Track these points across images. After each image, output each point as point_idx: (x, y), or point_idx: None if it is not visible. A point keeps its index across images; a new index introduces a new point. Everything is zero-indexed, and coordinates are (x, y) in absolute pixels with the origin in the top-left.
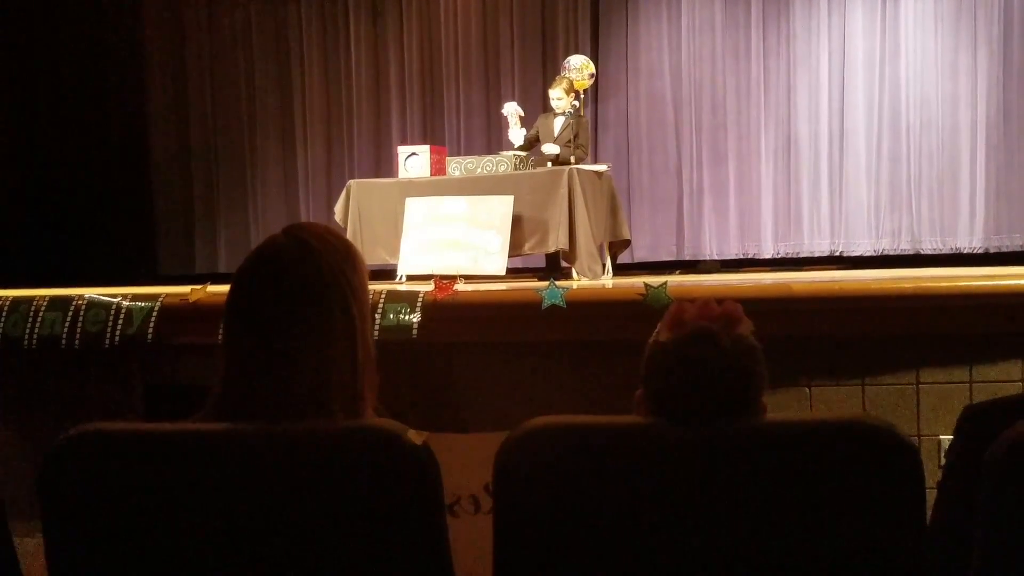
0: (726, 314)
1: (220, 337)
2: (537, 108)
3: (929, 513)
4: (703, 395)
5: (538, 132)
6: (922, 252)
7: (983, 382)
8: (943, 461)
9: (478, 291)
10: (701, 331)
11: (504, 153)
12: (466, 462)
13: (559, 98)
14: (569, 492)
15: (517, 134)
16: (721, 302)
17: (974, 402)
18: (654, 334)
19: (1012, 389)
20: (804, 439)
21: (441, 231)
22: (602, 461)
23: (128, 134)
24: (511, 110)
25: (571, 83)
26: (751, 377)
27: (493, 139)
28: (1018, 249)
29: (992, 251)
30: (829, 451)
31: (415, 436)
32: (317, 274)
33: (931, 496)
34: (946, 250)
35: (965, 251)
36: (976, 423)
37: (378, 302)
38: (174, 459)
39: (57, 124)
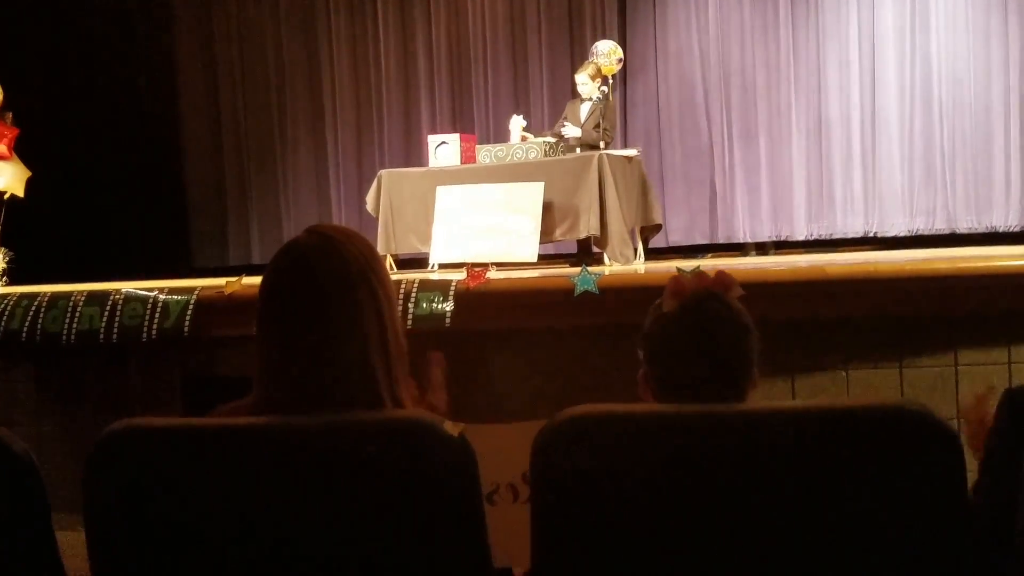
0: (720, 280)
1: (254, 333)
2: (565, 94)
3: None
4: (715, 352)
5: (566, 118)
6: (957, 231)
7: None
8: None
9: (510, 278)
10: (706, 292)
11: (534, 140)
12: (504, 451)
13: (584, 83)
14: (607, 480)
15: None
16: (713, 273)
17: (1014, 383)
18: (651, 311)
19: None
20: (842, 424)
21: (472, 219)
22: (640, 448)
23: (160, 129)
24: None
25: (598, 68)
26: (751, 334)
27: None
28: None
29: None
30: (867, 437)
31: (451, 427)
32: (343, 264)
33: (972, 480)
34: (982, 228)
35: (1001, 229)
36: (1018, 406)
37: (411, 291)
38: (215, 453)
39: (90, 121)
